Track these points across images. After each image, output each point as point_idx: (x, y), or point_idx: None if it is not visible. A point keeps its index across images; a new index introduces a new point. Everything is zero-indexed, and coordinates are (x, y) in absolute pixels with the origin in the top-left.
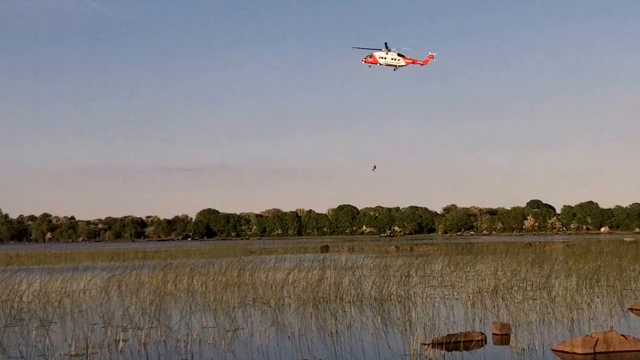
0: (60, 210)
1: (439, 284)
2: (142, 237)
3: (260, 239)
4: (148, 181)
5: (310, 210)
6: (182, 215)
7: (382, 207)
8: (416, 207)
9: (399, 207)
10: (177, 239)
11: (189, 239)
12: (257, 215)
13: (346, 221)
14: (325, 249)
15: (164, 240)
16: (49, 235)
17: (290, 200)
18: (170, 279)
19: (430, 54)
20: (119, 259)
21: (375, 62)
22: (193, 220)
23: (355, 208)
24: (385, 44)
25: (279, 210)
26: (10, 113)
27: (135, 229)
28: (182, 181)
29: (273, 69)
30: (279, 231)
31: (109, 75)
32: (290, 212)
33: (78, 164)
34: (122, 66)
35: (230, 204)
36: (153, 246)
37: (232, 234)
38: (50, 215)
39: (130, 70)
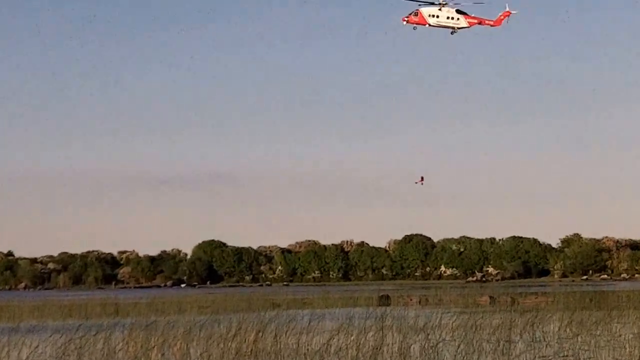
0: None
1: (555, 354)
2: (114, 283)
3: (287, 285)
4: (121, 199)
5: (363, 242)
6: (172, 250)
7: (470, 238)
8: (520, 237)
9: (494, 238)
10: (165, 286)
11: (183, 285)
12: (283, 250)
13: (416, 259)
14: (385, 300)
15: (145, 287)
16: None
17: (332, 227)
18: (155, 345)
19: (506, 9)
20: (79, 316)
21: (423, 23)
22: (188, 257)
23: (430, 239)
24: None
25: (315, 243)
26: None
27: (102, 270)
28: (172, 199)
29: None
30: (316, 273)
31: (67, 48)
32: (333, 245)
33: (15, 172)
34: (81, 41)
35: (244, 234)
36: (129, 296)
37: (247, 277)
38: None
39: (93, 44)
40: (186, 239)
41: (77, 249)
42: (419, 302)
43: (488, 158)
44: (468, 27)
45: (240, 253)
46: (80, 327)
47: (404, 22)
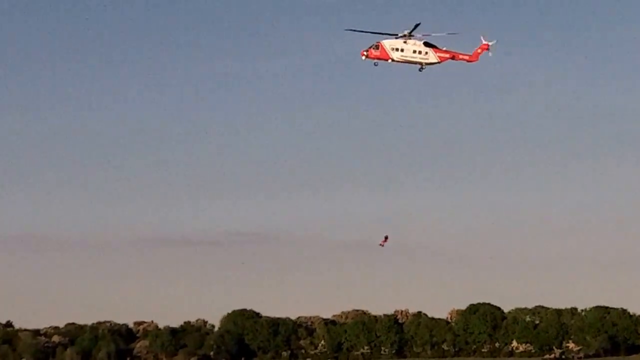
0: None
1: None
2: (129, 359)
3: None
4: (137, 262)
5: (420, 312)
6: (197, 321)
7: (546, 308)
8: (606, 307)
9: (575, 309)
10: None
11: None
12: (326, 322)
13: (483, 332)
14: None
15: None
16: None
17: (384, 294)
18: None
19: (483, 42)
20: None
21: (386, 57)
22: (216, 329)
23: (499, 309)
24: (416, 26)
25: (364, 313)
26: None
27: (115, 344)
28: (197, 262)
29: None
30: (366, 349)
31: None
32: (384, 315)
33: (15, 232)
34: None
35: (280, 302)
36: None
37: (284, 353)
38: None
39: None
40: (213, 308)
41: (86, 319)
42: None
43: (566, 217)
44: (439, 62)
45: (276, 325)
46: None
47: (363, 57)
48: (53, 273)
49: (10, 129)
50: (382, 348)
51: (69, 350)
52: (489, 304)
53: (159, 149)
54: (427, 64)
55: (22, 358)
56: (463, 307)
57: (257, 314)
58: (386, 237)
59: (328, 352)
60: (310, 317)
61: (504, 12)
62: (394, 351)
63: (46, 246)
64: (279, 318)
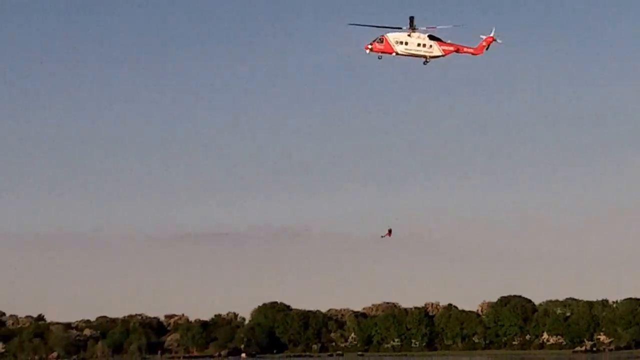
0: (20, 307)
1: None
2: (160, 352)
3: (362, 355)
4: (168, 256)
5: (450, 305)
6: (228, 314)
7: (577, 300)
8: (638, 300)
9: (607, 301)
10: (220, 355)
11: (243, 355)
12: (356, 314)
13: (514, 325)
14: None
15: (196, 357)
16: (0, 347)
17: (414, 287)
18: None
19: (488, 35)
20: None
21: (390, 51)
22: (246, 322)
23: (530, 302)
24: (411, 19)
25: (394, 306)
26: None
27: (147, 337)
28: (227, 256)
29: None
30: (396, 341)
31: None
32: (415, 308)
33: (48, 229)
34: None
35: (311, 295)
36: None
37: (314, 346)
38: (3, 314)
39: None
40: (244, 301)
41: (117, 312)
42: None
43: (598, 209)
44: (443, 55)
45: (306, 317)
46: None
47: (367, 51)
48: (85, 267)
49: (11, 129)
50: (413, 341)
51: (100, 344)
52: (519, 296)
53: (185, 148)
54: (431, 57)
55: (53, 351)
56: (494, 299)
57: (288, 307)
58: (390, 230)
59: (358, 345)
60: (340, 310)
61: (505, 10)
62: (424, 344)
63: (79, 241)
64: (309, 311)
